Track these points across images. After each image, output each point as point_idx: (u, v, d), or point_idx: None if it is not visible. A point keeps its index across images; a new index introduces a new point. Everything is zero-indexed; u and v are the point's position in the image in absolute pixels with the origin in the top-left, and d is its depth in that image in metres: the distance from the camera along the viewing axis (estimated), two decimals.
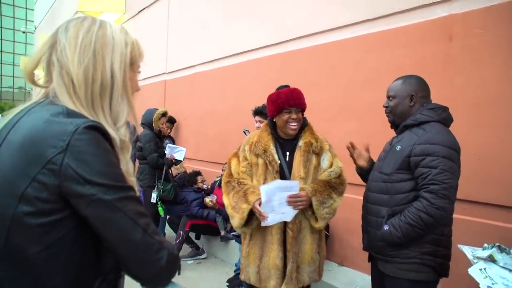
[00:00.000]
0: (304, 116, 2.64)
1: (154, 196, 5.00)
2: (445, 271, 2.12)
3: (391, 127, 2.33)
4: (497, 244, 1.91)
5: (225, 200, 2.63)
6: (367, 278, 3.49)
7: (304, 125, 2.64)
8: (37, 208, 0.90)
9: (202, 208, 4.93)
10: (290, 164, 2.56)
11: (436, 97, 2.23)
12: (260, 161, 2.57)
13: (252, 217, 2.51)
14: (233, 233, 4.20)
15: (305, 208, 2.49)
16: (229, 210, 2.60)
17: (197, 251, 5.05)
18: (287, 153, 2.59)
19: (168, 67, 7.19)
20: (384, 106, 2.29)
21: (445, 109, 2.16)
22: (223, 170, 4.94)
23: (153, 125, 5.08)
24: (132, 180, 1.05)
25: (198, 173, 5.35)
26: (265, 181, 2.52)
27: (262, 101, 4.21)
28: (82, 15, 1.12)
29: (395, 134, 2.30)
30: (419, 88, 2.20)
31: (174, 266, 1.05)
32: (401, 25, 3.38)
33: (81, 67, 1.01)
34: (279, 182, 2.39)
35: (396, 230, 2.04)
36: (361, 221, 2.37)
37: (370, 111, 3.47)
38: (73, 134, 0.92)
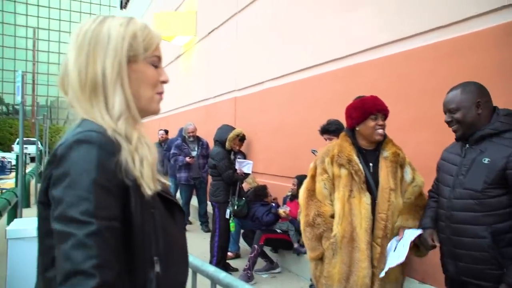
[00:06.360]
0: None
1: (228, 212, 5.14)
2: None
3: (458, 140, 2.21)
4: None
5: (304, 215, 2.58)
6: None
7: (384, 136, 2.56)
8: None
9: (273, 216, 4.99)
10: (374, 175, 2.48)
11: None
12: (344, 171, 2.46)
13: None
14: None
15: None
16: (305, 232, 2.57)
17: (271, 265, 5.10)
18: (371, 164, 2.51)
19: (237, 85, 7.40)
20: (447, 122, 2.17)
21: None
22: (293, 184, 4.98)
23: (226, 143, 5.24)
24: (138, 174, 0.97)
25: (266, 187, 5.42)
26: (350, 192, 2.44)
27: (330, 115, 4.23)
28: (92, 16, 1.11)
29: (465, 145, 2.15)
30: (482, 94, 2.10)
31: None
32: (477, 29, 3.25)
33: (76, 70, 1.02)
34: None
35: None
36: (443, 244, 2.19)
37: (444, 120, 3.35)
38: (60, 146, 0.93)
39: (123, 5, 18.84)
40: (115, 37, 1.04)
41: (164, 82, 1.13)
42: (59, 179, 0.90)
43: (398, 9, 3.97)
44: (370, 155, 2.54)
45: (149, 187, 0.97)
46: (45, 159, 15.56)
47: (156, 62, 1.11)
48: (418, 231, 2.31)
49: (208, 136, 5.46)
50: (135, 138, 1.01)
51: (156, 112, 1.13)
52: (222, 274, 1.55)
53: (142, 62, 1.08)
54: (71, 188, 0.88)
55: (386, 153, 2.51)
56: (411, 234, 2.33)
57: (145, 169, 0.98)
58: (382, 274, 2.35)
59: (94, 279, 0.82)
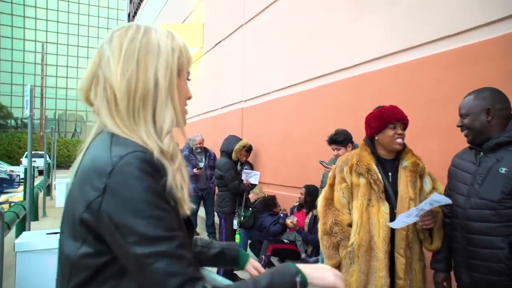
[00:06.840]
0: None
1: (235, 223, 5.13)
2: None
3: (470, 147, 2.19)
4: None
5: (321, 224, 2.58)
6: None
7: (403, 146, 2.54)
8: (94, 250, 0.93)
9: (280, 226, 4.96)
10: (393, 185, 2.47)
11: None
12: (363, 180, 2.45)
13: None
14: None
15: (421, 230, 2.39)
16: (322, 240, 2.56)
17: None
18: (390, 174, 2.50)
19: (244, 95, 7.42)
20: (458, 126, 2.17)
21: None
22: (301, 193, 4.96)
23: (233, 154, 5.26)
24: (180, 195, 0.98)
25: (275, 197, 5.41)
26: (369, 201, 2.42)
27: (337, 125, 4.22)
28: (128, 24, 1.07)
29: (479, 152, 2.11)
30: (495, 100, 2.04)
31: None
32: (484, 39, 3.23)
33: (124, 79, 0.97)
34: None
35: None
36: (457, 255, 2.15)
37: (454, 129, 3.33)
38: (110, 175, 0.89)
39: (131, 19, 19.07)
40: (165, 48, 1.02)
41: (190, 98, 1.13)
42: (121, 207, 0.88)
43: (405, 18, 3.97)
44: (389, 164, 2.53)
45: (188, 208, 1.00)
46: (53, 172, 15.64)
47: (187, 78, 1.12)
48: (443, 201, 2.14)
49: (216, 147, 5.49)
50: (180, 158, 1.02)
51: (182, 127, 1.11)
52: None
53: (184, 77, 1.09)
54: (139, 211, 0.88)
55: (406, 163, 2.49)
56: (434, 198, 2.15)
57: (185, 191, 1.00)
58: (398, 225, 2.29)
59: (201, 282, 0.89)
